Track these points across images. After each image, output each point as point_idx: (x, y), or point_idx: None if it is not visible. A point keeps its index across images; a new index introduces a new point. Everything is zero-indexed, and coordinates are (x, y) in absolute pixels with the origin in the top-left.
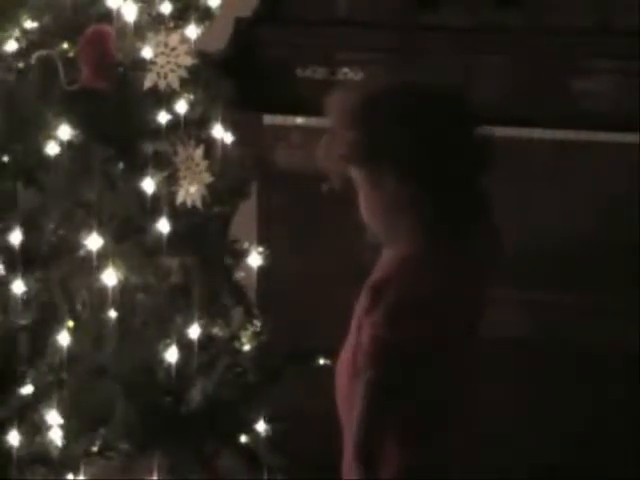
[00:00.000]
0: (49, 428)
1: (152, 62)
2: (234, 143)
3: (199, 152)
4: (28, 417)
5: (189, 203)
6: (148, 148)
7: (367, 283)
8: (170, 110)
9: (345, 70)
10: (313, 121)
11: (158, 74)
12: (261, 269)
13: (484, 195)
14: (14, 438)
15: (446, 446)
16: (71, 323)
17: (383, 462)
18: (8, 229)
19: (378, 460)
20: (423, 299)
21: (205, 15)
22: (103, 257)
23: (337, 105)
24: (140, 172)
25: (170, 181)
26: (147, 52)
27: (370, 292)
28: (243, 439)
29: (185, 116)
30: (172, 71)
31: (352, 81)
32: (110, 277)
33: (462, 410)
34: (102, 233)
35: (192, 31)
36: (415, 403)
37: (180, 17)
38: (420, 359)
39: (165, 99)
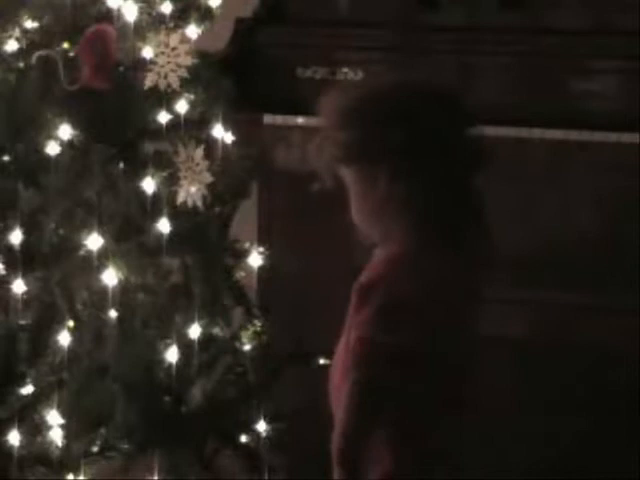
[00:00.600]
0: (49, 428)
1: (152, 62)
2: (234, 143)
3: (199, 152)
4: (28, 417)
5: (190, 203)
6: (148, 148)
7: (356, 283)
8: (170, 110)
9: (345, 70)
10: (313, 121)
11: (158, 74)
12: (261, 269)
13: (477, 195)
14: (14, 438)
15: (440, 447)
16: (71, 323)
17: (371, 463)
18: (8, 229)
19: (366, 461)
20: (412, 299)
21: (205, 15)
22: (103, 257)
23: (329, 105)
24: (140, 172)
25: (170, 181)
26: (147, 52)
27: (358, 292)
28: (243, 439)
29: (185, 116)
30: (172, 71)
31: (351, 81)
32: (110, 277)
33: (458, 410)
34: (102, 233)
35: (192, 31)
36: (404, 404)
37: (180, 17)
38: (409, 359)
39: (165, 99)
